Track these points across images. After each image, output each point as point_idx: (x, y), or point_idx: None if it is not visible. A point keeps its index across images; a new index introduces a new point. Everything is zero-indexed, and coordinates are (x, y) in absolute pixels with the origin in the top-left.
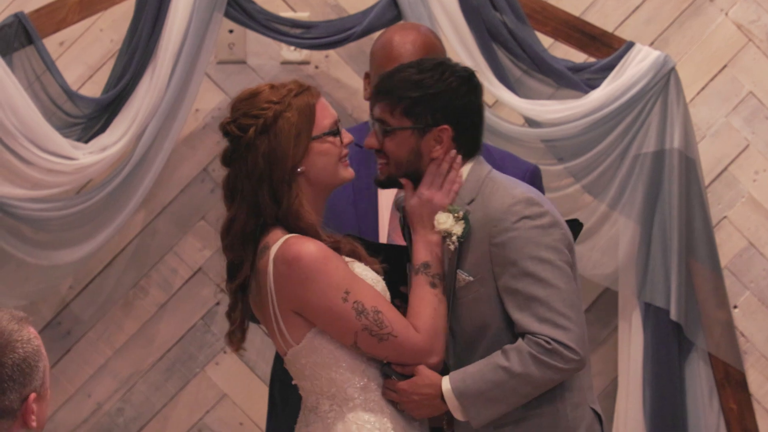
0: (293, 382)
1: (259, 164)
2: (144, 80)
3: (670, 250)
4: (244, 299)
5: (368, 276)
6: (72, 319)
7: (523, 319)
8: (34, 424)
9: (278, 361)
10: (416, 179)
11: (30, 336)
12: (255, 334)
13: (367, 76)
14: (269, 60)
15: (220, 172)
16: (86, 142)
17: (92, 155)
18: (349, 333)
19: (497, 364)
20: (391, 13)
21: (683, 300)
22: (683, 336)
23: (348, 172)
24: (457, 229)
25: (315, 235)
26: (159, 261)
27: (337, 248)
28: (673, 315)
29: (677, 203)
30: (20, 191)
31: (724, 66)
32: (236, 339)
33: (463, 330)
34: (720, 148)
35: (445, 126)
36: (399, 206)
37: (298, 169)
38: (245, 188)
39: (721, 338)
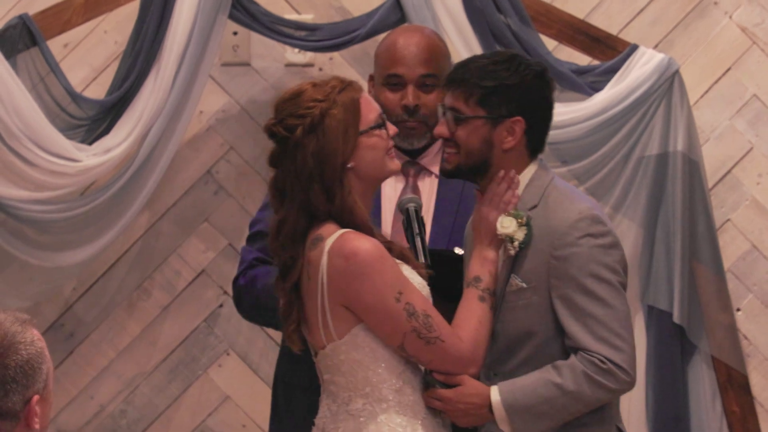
0: (325, 377)
1: (309, 163)
2: (148, 82)
3: (674, 252)
4: (300, 298)
5: (415, 280)
6: (75, 320)
7: (578, 333)
8: (37, 426)
9: (282, 362)
10: (484, 170)
11: (33, 338)
12: (258, 335)
13: (371, 79)
14: (273, 62)
15: (223, 174)
16: (90, 143)
17: (96, 157)
18: (397, 333)
19: (550, 380)
20: (396, 15)
21: (686, 303)
22: (686, 339)
23: (395, 164)
24: (520, 234)
25: (369, 231)
26: (162, 263)
27: (389, 248)
28: (676, 318)
29: (680, 206)
30: (24, 193)
31: (728, 69)
32: (297, 339)
33: (506, 333)
34: (724, 150)
35: (519, 117)
36: (402, 209)
37: (348, 165)
38: (295, 188)
39: (724, 341)
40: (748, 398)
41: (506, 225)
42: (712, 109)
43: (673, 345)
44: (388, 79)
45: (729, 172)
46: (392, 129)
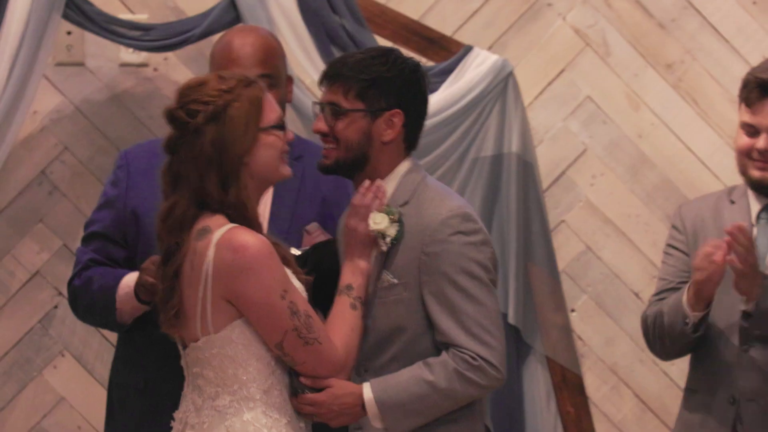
0: (193, 370)
1: (207, 150)
2: None
3: (508, 253)
4: (180, 284)
5: (295, 283)
6: None
7: (450, 329)
8: None
9: (117, 364)
10: (363, 165)
11: None
12: (93, 336)
13: None
14: (108, 62)
15: (58, 175)
16: None
17: None
18: (278, 330)
19: (421, 377)
20: (230, 16)
21: (521, 303)
22: (521, 339)
23: (287, 170)
24: (391, 230)
25: (258, 228)
26: None
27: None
28: (511, 318)
29: (515, 207)
30: None
31: (562, 70)
32: (176, 325)
33: (377, 329)
34: (558, 152)
35: (398, 110)
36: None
37: (244, 160)
38: (191, 174)
39: (558, 342)
40: (582, 398)
41: (378, 221)
42: (547, 111)
43: (508, 345)
44: None
45: (563, 173)
46: (289, 134)
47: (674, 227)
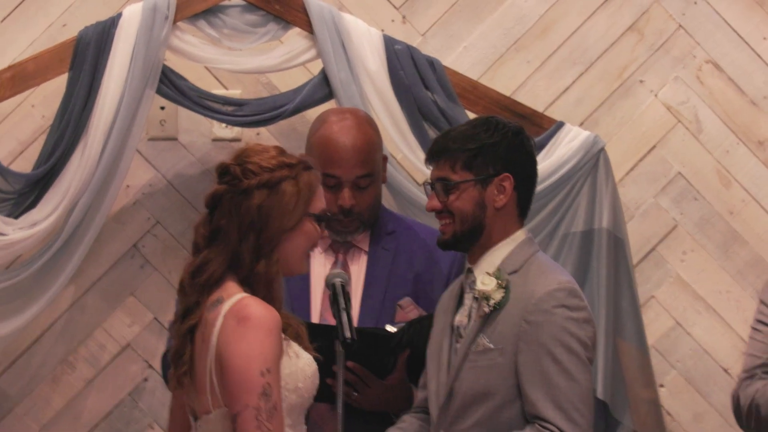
0: None
1: (252, 214)
2: (75, 156)
3: (598, 328)
4: (193, 342)
5: (303, 356)
6: None
7: (539, 400)
8: None
9: None
10: (479, 234)
11: None
12: None
13: None
14: (200, 137)
15: (149, 248)
16: (16, 217)
17: (22, 231)
18: (241, 401)
19: None
20: (323, 91)
21: (610, 378)
22: (610, 414)
23: (306, 267)
24: (497, 295)
25: (278, 305)
26: (87, 337)
27: (287, 324)
28: (600, 393)
29: (605, 282)
30: None
31: (653, 147)
32: (186, 382)
33: (463, 392)
34: (648, 227)
35: (507, 174)
36: (329, 283)
37: (284, 236)
38: (231, 234)
39: (647, 417)
40: None
41: (486, 283)
42: (637, 187)
43: (597, 421)
44: (324, 178)
45: (653, 249)
46: (324, 233)
47: (762, 302)
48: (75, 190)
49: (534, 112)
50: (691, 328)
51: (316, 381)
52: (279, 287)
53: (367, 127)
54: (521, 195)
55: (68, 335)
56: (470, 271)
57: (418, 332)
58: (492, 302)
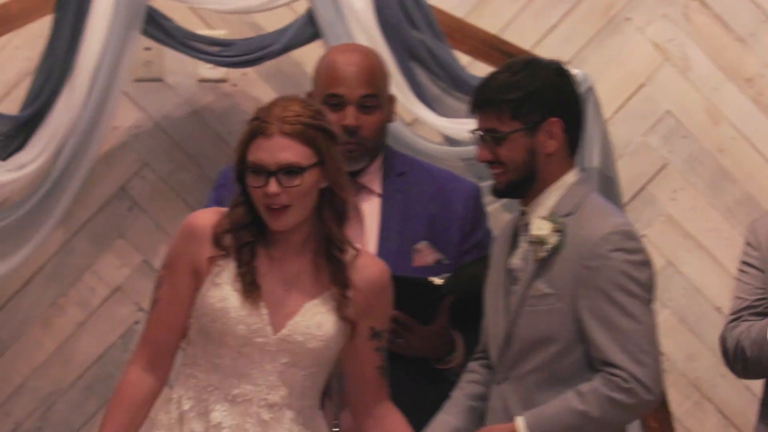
0: None
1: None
2: (62, 98)
3: None
4: None
5: (223, 291)
6: None
7: (605, 344)
8: None
9: None
10: (532, 181)
11: None
12: None
13: (309, 96)
14: (186, 78)
15: (138, 190)
16: (4, 159)
17: (10, 173)
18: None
19: (575, 408)
20: (309, 31)
21: None
22: None
23: (273, 223)
24: (553, 239)
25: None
26: (77, 279)
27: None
28: None
29: None
30: None
31: (642, 85)
32: None
33: (522, 337)
34: (638, 167)
35: (555, 118)
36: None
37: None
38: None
39: None
40: (665, 414)
41: (541, 227)
42: (626, 126)
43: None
44: (327, 98)
45: (643, 188)
46: (271, 188)
47: (748, 243)
48: (62, 132)
49: (522, 51)
50: (682, 266)
51: (227, 322)
52: (272, 234)
53: (373, 54)
54: (571, 136)
55: (58, 278)
56: (523, 213)
57: (461, 278)
58: (548, 247)
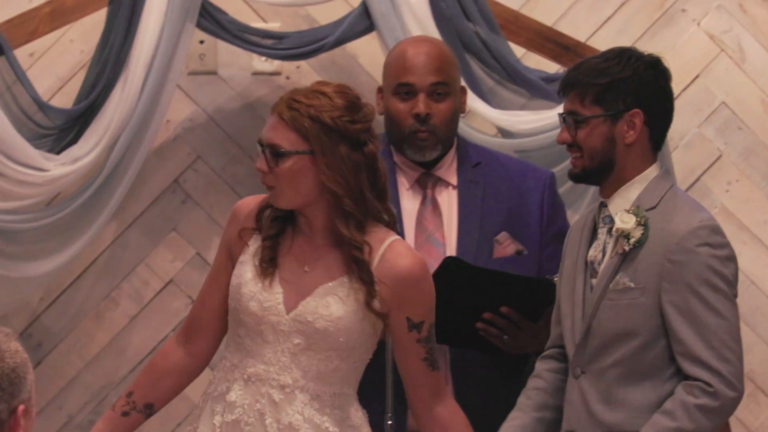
0: None
1: None
2: (116, 91)
3: None
4: None
5: (245, 267)
6: (43, 331)
7: (689, 339)
8: None
9: None
10: (609, 170)
11: (18, 348)
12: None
13: (379, 91)
14: (240, 71)
15: (191, 183)
16: (58, 153)
17: (64, 167)
18: None
19: (668, 427)
20: (363, 24)
21: None
22: None
23: (274, 200)
24: (637, 232)
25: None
26: (130, 273)
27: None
28: None
29: None
30: None
31: (696, 76)
32: None
33: (603, 331)
34: (693, 158)
35: (637, 110)
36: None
37: None
38: None
39: None
40: None
41: (626, 221)
42: (681, 117)
43: None
44: (398, 88)
45: (698, 180)
46: (259, 164)
47: None
48: (116, 126)
49: (577, 43)
50: (737, 258)
51: (240, 299)
52: (301, 217)
53: (443, 44)
54: (654, 130)
55: (111, 271)
56: (604, 205)
57: None
58: (633, 240)
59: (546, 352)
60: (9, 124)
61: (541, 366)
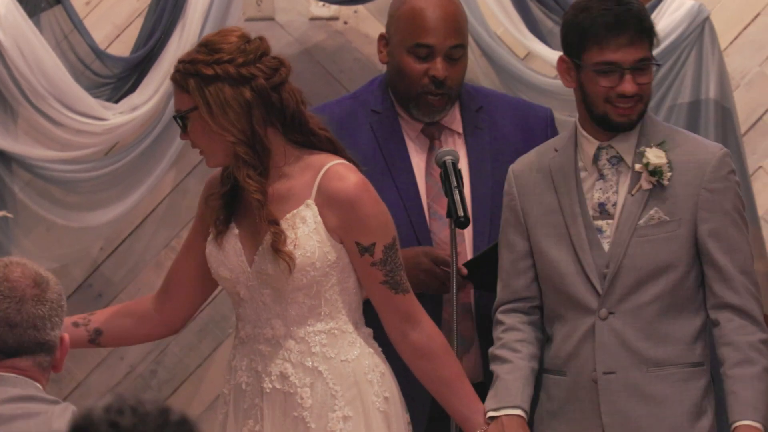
0: None
1: None
2: (173, 39)
3: None
4: None
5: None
6: (103, 281)
7: (728, 266)
8: (62, 366)
9: None
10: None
11: (56, 280)
12: None
13: (381, 38)
14: (298, 16)
15: None
16: (116, 102)
17: (122, 115)
18: None
19: (755, 374)
20: None
21: None
22: None
23: None
24: (666, 167)
25: None
26: (190, 221)
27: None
28: None
29: None
30: (50, 153)
31: (758, 14)
32: None
33: (637, 268)
34: (755, 97)
35: None
36: (439, 162)
37: None
38: None
39: (761, 288)
40: None
41: (659, 155)
42: (742, 56)
43: None
44: (415, 48)
45: (760, 118)
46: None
47: None
48: None
49: None
50: None
51: (214, 267)
52: None
53: (457, 2)
54: None
55: (170, 220)
56: (600, 148)
57: None
58: (669, 175)
59: (506, 306)
60: (67, 74)
61: (512, 319)
